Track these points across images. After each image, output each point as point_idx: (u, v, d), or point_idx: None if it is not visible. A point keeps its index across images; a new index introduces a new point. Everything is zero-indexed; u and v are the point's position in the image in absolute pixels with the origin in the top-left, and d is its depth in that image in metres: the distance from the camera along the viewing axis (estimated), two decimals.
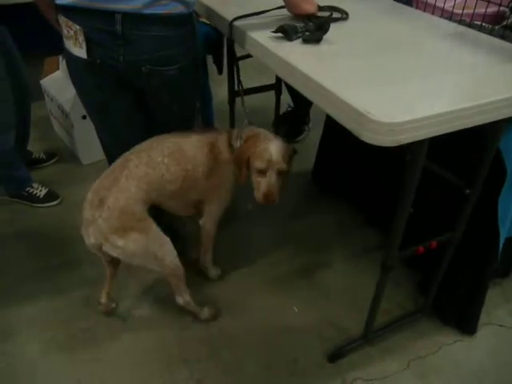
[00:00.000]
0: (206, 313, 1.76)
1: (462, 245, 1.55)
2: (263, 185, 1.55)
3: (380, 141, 0.99)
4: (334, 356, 1.66)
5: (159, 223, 1.50)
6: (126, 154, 1.51)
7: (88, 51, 1.34)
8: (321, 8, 1.60)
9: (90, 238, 1.42)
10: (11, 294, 1.87)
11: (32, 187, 2.32)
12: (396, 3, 1.80)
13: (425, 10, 1.70)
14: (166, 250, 1.52)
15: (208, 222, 1.75)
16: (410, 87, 1.11)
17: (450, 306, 1.76)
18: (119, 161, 1.51)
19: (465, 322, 1.75)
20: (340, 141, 2.19)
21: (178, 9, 1.34)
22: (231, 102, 2.41)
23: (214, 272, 1.94)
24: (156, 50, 1.36)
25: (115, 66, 1.36)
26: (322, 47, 1.33)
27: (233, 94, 2.36)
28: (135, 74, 1.38)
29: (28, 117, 2.37)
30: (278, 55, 1.28)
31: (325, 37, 1.38)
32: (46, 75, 2.75)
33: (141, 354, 1.67)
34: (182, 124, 1.62)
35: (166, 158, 1.50)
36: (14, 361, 1.64)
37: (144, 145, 1.52)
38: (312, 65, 1.20)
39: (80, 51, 1.35)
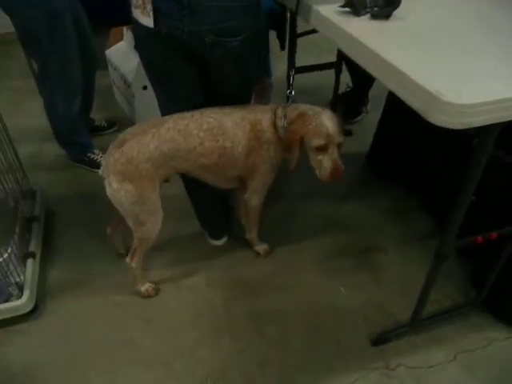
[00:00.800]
0: (144, 287, 1.79)
1: None
2: (327, 163, 1.51)
3: (449, 123, 0.95)
4: (379, 340, 1.65)
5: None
6: (167, 116, 1.53)
7: (155, 20, 1.35)
8: None
9: (101, 168, 1.51)
10: (77, 252, 2.00)
11: (93, 153, 2.43)
12: None
13: None
14: (152, 220, 1.58)
15: (252, 198, 1.75)
16: (486, 67, 1.05)
17: (504, 301, 1.69)
18: (159, 119, 1.54)
19: None
20: (399, 124, 2.13)
21: None
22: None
23: (261, 247, 1.96)
24: (220, 21, 1.35)
25: (180, 36, 1.37)
26: (391, 23, 1.28)
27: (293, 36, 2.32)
28: (199, 44, 1.39)
29: (93, 85, 2.45)
30: (345, 30, 1.24)
31: (395, 12, 1.32)
32: (111, 46, 2.83)
33: (188, 320, 1.74)
34: (239, 97, 1.62)
35: (203, 132, 1.50)
36: (73, 314, 1.76)
37: (188, 114, 1.52)
38: (380, 41, 1.16)
39: (147, 20, 1.37)
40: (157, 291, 1.82)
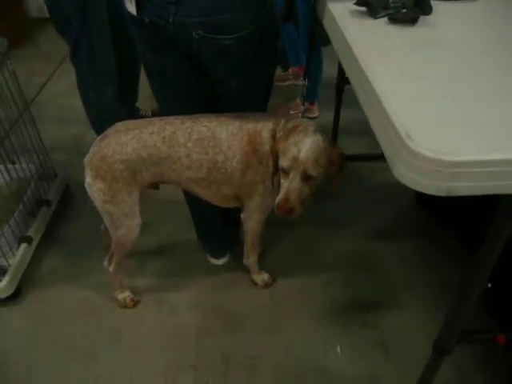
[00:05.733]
0: (122, 296, 1.65)
1: None
2: (282, 190, 1.25)
3: (418, 183, 0.64)
4: None
5: None
6: (155, 119, 1.37)
7: (137, 7, 1.18)
8: None
9: (86, 156, 1.38)
10: (79, 243, 1.92)
11: None
12: None
13: None
14: (126, 224, 1.43)
15: (249, 219, 1.52)
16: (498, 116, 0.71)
17: None
18: (147, 119, 1.39)
19: None
20: None
21: None
22: (339, 90, 2.09)
23: (259, 277, 1.71)
24: (211, 13, 1.13)
25: (165, 28, 1.18)
26: (409, 31, 0.96)
27: (342, 81, 2.03)
28: (186, 39, 1.18)
29: (137, 73, 2.37)
30: (343, 33, 0.95)
31: (431, 19, 1.00)
32: None
33: (154, 344, 1.56)
34: (247, 103, 1.39)
35: (191, 143, 1.30)
36: (48, 309, 1.68)
37: (178, 119, 1.34)
38: (375, 53, 0.86)
39: (131, 7, 1.20)
40: (135, 303, 1.67)
